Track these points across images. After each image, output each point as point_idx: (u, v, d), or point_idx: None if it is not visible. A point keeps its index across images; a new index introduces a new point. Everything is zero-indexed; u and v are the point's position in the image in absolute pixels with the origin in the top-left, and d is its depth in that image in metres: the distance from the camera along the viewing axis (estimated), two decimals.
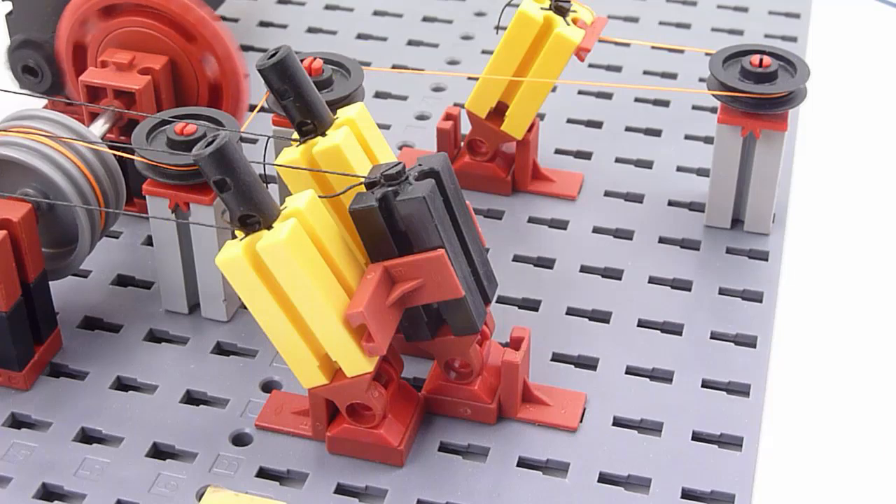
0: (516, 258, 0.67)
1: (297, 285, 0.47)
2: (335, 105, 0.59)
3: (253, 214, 0.46)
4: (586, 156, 0.75)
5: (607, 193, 0.71)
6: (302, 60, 0.61)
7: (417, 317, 0.53)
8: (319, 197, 0.50)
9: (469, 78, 0.80)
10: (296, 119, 0.53)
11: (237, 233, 0.47)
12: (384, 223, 0.50)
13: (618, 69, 0.82)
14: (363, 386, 0.51)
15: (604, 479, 0.54)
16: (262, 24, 0.88)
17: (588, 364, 0.60)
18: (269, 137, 0.57)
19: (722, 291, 0.64)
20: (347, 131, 0.53)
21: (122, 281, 0.65)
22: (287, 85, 0.52)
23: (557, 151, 0.75)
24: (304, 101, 0.52)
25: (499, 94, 0.68)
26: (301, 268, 0.47)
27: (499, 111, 0.69)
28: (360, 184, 0.51)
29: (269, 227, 0.47)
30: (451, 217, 0.52)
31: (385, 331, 0.49)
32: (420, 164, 0.51)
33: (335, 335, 0.49)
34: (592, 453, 0.55)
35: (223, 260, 0.47)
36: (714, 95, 0.64)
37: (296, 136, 0.54)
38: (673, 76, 0.81)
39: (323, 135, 0.53)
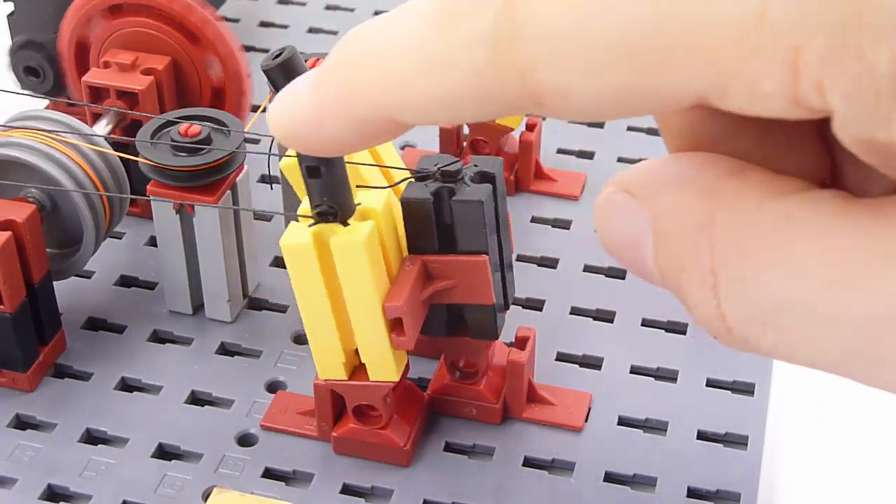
0: (520, 258, 0.67)
1: (360, 286, 0.47)
2: None
3: (331, 206, 0.46)
4: (588, 155, 0.75)
5: None
6: (304, 62, 0.61)
7: (439, 312, 0.52)
8: (358, 186, 0.49)
9: None
10: None
11: (300, 219, 0.47)
12: (434, 217, 0.49)
13: None
14: (382, 392, 0.51)
15: (609, 478, 0.54)
16: (263, 24, 0.88)
17: (593, 363, 0.60)
18: (273, 137, 0.57)
19: None
20: None
21: (126, 281, 0.65)
22: None
23: (560, 151, 0.75)
24: None
25: None
26: (370, 270, 0.47)
27: None
28: (410, 178, 0.50)
29: (345, 223, 0.47)
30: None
31: (416, 326, 0.49)
32: (476, 165, 0.51)
33: (377, 339, 0.49)
34: (598, 453, 0.55)
35: (289, 244, 0.47)
36: None
37: None
38: None
39: None
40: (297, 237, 0.47)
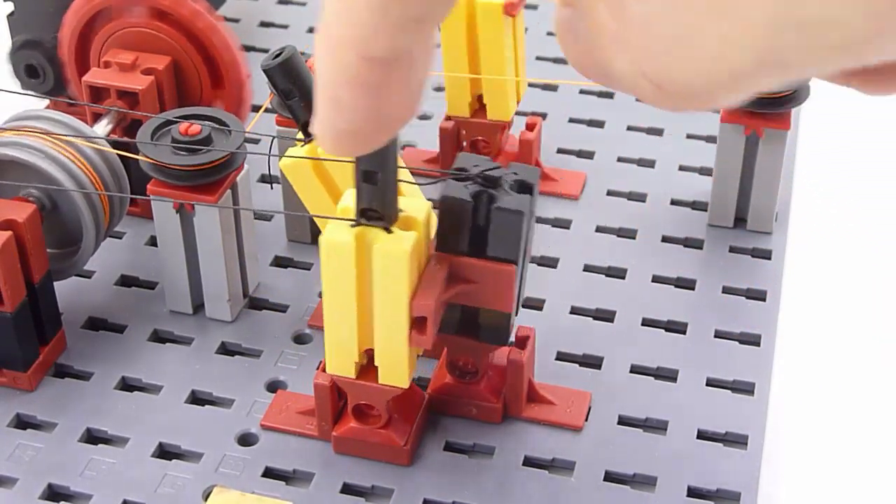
0: None
1: (394, 292, 0.47)
2: None
3: (376, 210, 0.46)
4: (589, 155, 0.75)
5: (610, 193, 0.71)
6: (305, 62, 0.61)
7: (453, 312, 0.52)
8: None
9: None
10: (301, 119, 0.53)
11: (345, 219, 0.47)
12: (470, 220, 0.49)
13: None
14: (387, 395, 0.51)
15: (610, 477, 0.54)
16: (263, 24, 0.88)
17: (593, 363, 0.60)
18: (273, 137, 0.57)
19: (725, 290, 0.64)
20: None
21: (126, 281, 0.65)
22: (293, 85, 0.52)
23: (560, 151, 0.75)
24: (309, 100, 0.52)
25: (468, 89, 0.68)
26: (407, 280, 0.47)
27: (480, 103, 0.69)
28: (449, 175, 0.50)
29: (388, 230, 0.47)
30: None
31: (437, 326, 0.49)
32: (515, 174, 0.50)
33: (398, 342, 0.49)
34: (598, 452, 0.55)
35: (331, 241, 0.47)
36: None
37: (300, 135, 0.54)
38: None
39: None
40: (340, 236, 0.46)
